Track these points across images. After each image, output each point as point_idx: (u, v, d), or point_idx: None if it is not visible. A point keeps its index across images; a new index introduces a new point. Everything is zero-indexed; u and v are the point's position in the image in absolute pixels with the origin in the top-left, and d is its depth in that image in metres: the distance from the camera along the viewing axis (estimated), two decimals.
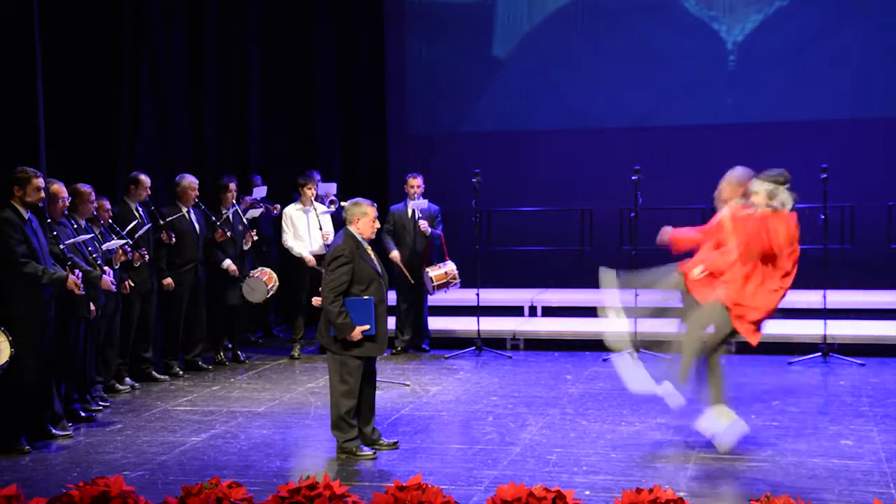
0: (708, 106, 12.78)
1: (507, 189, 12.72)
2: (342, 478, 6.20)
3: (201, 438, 7.40)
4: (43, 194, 7.18)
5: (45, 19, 7.78)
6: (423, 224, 10.38)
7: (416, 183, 10.50)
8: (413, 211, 10.46)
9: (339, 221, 10.40)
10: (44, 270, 7.08)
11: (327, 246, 10.20)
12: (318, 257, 10.24)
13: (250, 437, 7.44)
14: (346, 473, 6.49)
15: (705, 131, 12.74)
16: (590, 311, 11.10)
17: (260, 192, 10.57)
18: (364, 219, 6.74)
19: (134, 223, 8.68)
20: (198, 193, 9.58)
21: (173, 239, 9.29)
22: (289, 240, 10.42)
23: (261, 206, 10.54)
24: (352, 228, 6.76)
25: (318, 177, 10.74)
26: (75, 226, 7.87)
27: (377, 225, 6.85)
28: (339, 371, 6.76)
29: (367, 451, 6.84)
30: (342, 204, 7.02)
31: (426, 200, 10.54)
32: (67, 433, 7.46)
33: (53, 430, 7.39)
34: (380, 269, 6.85)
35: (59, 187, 7.51)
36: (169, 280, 9.41)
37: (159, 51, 10.24)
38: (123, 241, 8.30)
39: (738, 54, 12.75)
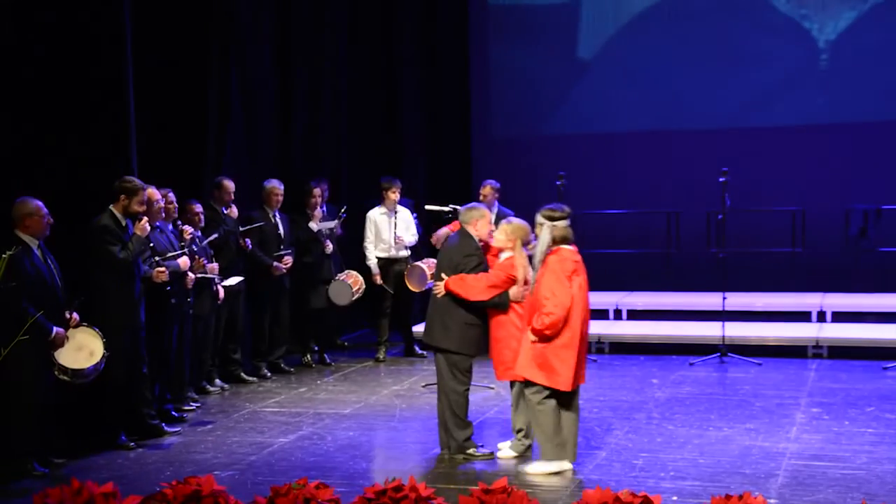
0: (798, 106, 12.52)
1: (593, 192, 12.63)
2: (427, 480, 6.17)
3: (289, 439, 7.47)
4: (145, 207, 7.34)
5: (136, 24, 7.90)
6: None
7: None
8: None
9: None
10: (124, 256, 7.13)
11: (407, 247, 10.40)
12: (395, 260, 10.35)
13: (337, 438, 7.50)
14: (432, 476, 6.51)
15: (795, 132, 12.49)
16: (677, 315, 11.41)
17: (331, 224, 10.20)
18: (482, 220, 7.00)
19: (214, 235, 8.71)
20: (281, 198, 9.65)
21: (249, 246, 9.25)
22: (368, 244, 10.46)
23: (335, 221, 10.31)
24: (470, 229, 7.00)
25: (399, 183, 10.65)
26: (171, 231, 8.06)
27: (493, 227, 7.08)
28: (450, 371, 6.92)
29: (485, 450, 6.96)
30: (456, 208, 7.17)
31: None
32: (176, 429, 7.72)
33: (164, 427, 7.64)
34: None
35: (153, 192, 7.64)
36: (279, 265, 9.44)
37: (249, 54, 10.33)
38: (180, 254, 7.99)
39: (831, 53, 12.47)
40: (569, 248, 6.54)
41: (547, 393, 6.46)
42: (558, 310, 6.37)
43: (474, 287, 6.77)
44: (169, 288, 7.71)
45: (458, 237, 7.09)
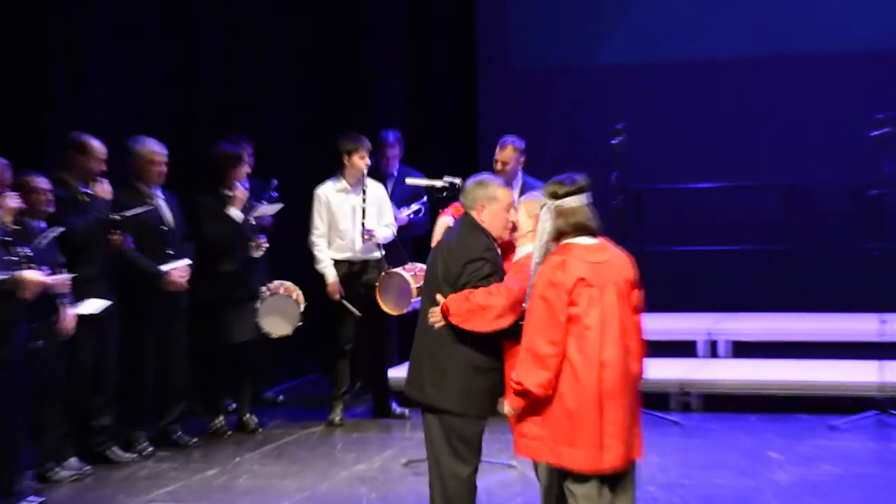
0: None
1: (667, 156, 12.45)
2: None
3: None
4: None
5: None
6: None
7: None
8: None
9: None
10: None
11: (381, 245, 10.23)
12: (362, 263, 10.14)
13: None
14: None
15: None
16: (805, 349, 11.20)
17: (267, 209, 10.26)
18: (492, 205, 6.70)
19: (59, 229, 8.40)
20: (165, 168, 9.37)
21: (131, 244, 9.05)
22: (317, 239, 10.16)
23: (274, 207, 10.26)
24: (475, 217, 6.71)
25: (393, 138, 10.77)
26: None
27: (512, 218, 6.77)
28: (447, 442, 6.68)
29: None
30: (452, 181, 7.64)
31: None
32: None
33: None
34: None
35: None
36: (173, 276, 9.30)
37: None
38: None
39: None
40: (583, 243, 6.07)
41: (583, 477, 6.05)
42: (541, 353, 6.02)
43: (490, 308, 6.38)
44: None
45: (459, 230, 6.74)
